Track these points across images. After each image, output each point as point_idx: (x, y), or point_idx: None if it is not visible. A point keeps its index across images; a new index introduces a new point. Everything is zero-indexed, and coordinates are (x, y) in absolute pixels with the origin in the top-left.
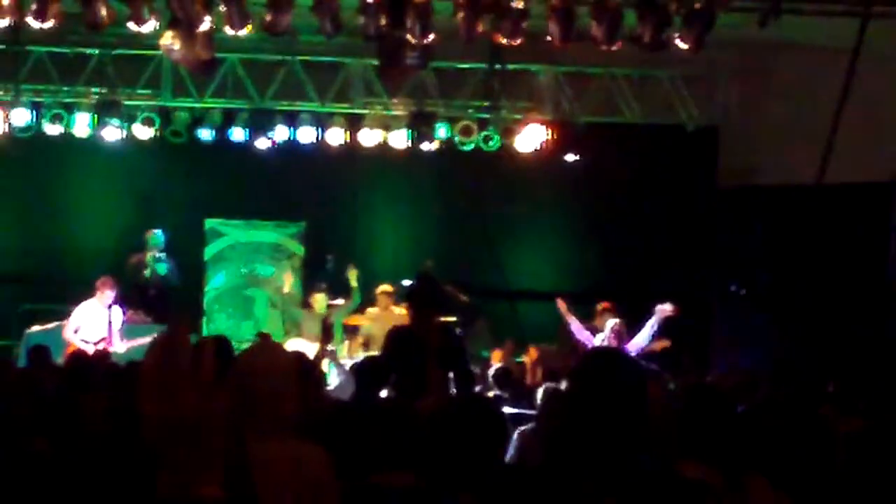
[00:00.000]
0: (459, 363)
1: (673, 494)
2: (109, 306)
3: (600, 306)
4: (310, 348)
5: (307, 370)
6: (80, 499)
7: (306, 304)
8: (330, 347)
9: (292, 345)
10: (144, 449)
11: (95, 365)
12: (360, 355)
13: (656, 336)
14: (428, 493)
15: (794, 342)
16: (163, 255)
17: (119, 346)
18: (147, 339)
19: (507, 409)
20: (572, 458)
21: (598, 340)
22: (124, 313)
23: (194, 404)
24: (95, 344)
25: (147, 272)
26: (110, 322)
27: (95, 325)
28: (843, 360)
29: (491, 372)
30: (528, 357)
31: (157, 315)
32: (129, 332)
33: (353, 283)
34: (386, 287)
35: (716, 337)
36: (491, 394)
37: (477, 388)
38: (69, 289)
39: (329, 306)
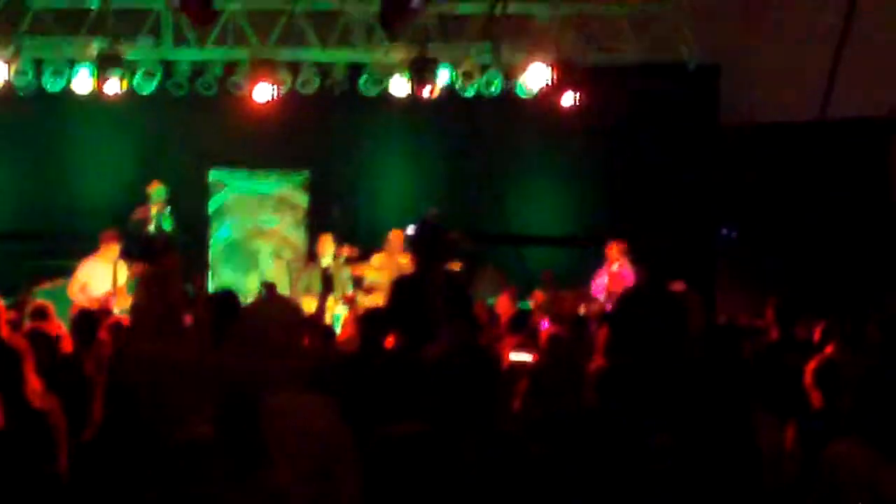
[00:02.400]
0: (465, 311)
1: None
2: (115, 260)
3: (612, 246)
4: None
5: (311, 322)
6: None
7: (311, 256)
8: (334, 298)
9: (298, 298)
10: (135, 390)
11: (100, 320)
12: (366, 305)
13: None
14: (434, 440)
15: (797, 279)
16: (167, 209)
17: (125, 301)
18: None
19: (519, 356)
20: (625, 397)
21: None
22: (129, 268)
23: (183, 344)
24: (101, 299)
25: (152, 227)
26: (115, 276)
27: (101, 280)
28: (847, 296)
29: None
30: (534, 302)
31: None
32: (133, 286)
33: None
34: (391, 234)
35: (720, 277)
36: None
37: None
38: (73, 245)
39: (334, 256)
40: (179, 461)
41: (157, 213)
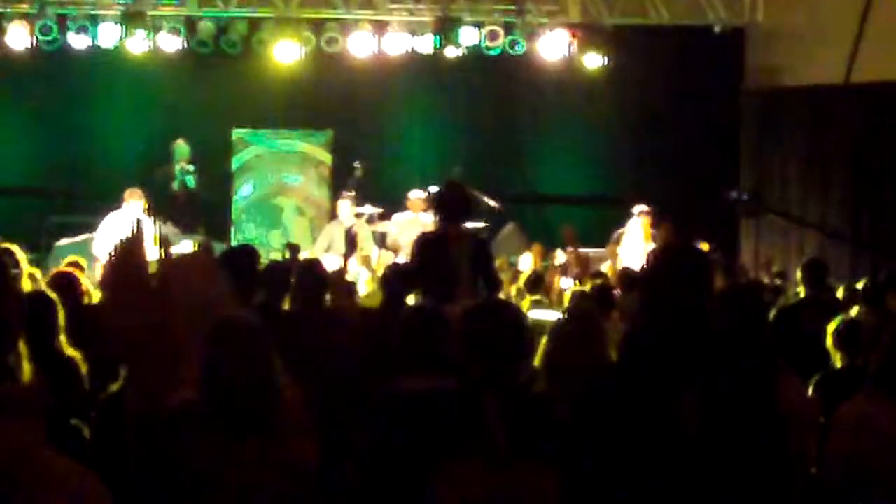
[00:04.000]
0: (487, 269)
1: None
2: (138, 216)
3: (641, 210)
4: (338, 259)
5: (334, 279)
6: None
7: (333, 215)
8: (357, 255)
9: (323, 257)
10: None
11: None
12: (389, 261)
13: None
14: (457, 395)
15: (823, 242)
16: (190, 166)
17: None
18: (177, 249)
19: (538, 314)
20: (650, 357)
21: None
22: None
23: (158, 312)
24: None
25: (175, 184)
26: (140, 229)
27: (121, 235)
28: (872, 258)
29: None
30: (556, 260)
31: (185, 226)
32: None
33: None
34: (415, 193)
35: (745, 240)
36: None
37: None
38: (97, 201)
39: (357, 215)
40: (168, 432)
41: (181, 171)
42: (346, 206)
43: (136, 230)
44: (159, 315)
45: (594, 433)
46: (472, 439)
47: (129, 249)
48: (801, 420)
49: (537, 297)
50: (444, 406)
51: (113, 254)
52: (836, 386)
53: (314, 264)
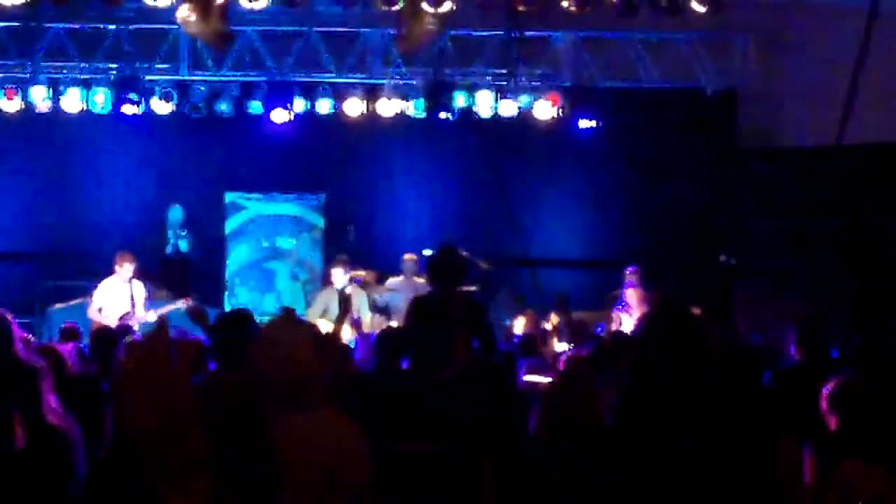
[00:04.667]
0: (483, 331)
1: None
2: (130, 280)
3: (629, 272)
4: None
5: (327, 342)
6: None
7: (326, 280)
8: (350, 319)
9: (319, 322)
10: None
11: (119, 339)
12: (383, 326)
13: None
14: (449, 460)
15: (817, 304)
16: (183, 231)
17: (144, 316)
18: (172, 307)
19: (532, 377)
20: (644, 420)
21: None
22: (146, 288)
23: (177, 411)
24: (119, 319)
25: (169, 248)
26: (132, 296)
27: (118, 300)
28: (866, 322)
29: (516, 340)
30: (550, 324)
31: (178, 291)
32: (151, 307)
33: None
34: (408, 256)
35: (739, 302)
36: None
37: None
38: (90, 265)
39: (350, 279)
40: None
41: (175, 235)
42: (339, 270)
43: (159, 329)
44: (179, 419)
45: (587, 497)
46: (463, 502)
47: (156, 343)
48: (796, 485)
49: (531, 360)
50: (440, 469)
51: (135, 352)
52: (832, 449)
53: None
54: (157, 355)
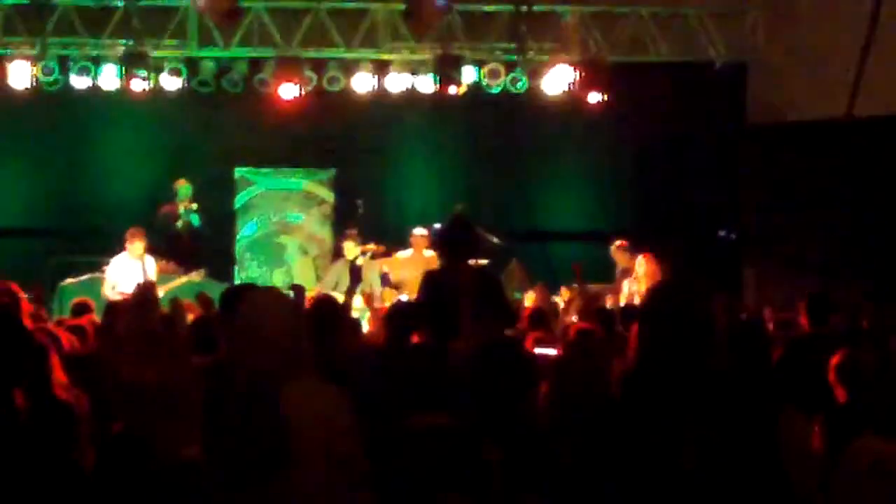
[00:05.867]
0: (499, 302)
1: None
2: (141, 256)
3: (616, 245)
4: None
5: (337, 315)
6: None
7: (337, 253)
8: (360, 292)
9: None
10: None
11: None
12: (393, 299)
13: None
14: (460, 434)
15: (825, 277)
16: (194, 205)
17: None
18: (186, 280)
19: (542, 350)
20: (652, 395)
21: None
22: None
23: (169, 370)
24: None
25: (180, 223)
26: (144, 271)
27: (130, 277)
28: (874, 294)
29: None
30: (562, 297)
31: (189, 266)
32: (162, 281)
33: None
34: (418, 231)
35: (748, 275)
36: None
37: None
38: (100, 241)
39: (361, 252)
40: (174, 486)
41: (185, 210)
42: (350, 244)
43: (145, 285)
44: (172, 373)
45: (593, 471)
46: (471, 476)
47: (145, 301)
48: (805, 458)
49: (540, 333)
50: (445, 443)
51: (126, 307)
52: (840, 422)
53: (329, 300)
54: (146, 317)
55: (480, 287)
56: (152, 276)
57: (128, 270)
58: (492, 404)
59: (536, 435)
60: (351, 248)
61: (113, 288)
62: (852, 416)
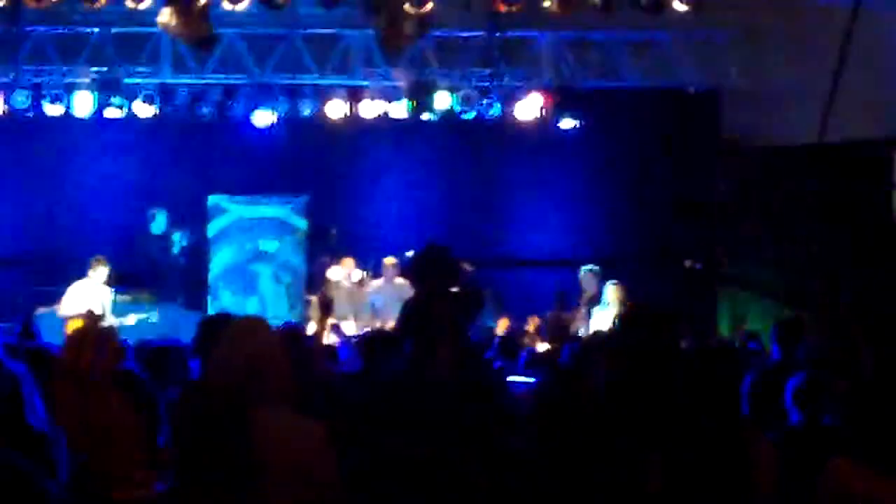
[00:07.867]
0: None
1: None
2: (103, 284)
3: (585, 270)
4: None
5: (306, 344)
6: None
7: (309, 281)
8: (332, 321)
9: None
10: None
11: None
12: (368, 327)
13: None
14: (438, 462)
15: (797, 301)
16: (175, 233)
17: (114, 322)
18: (148, 315)
19: (512, 378)
20: (619, 417)
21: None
22: (129, 291)
23: (108, 408)
24: None
25: (175, 249)
26: (103, 300)
27: (88, 304)
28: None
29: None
30: (531, 325)
31: (163, 293)
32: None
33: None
34: (388, 260)
35: (721, 300)
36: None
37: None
38: (74, 269)
39: (344, 278)
40: None
41: (179, 236)
42: (335, 271)
43: (90, 317)
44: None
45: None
46: (454, 500)
47: (86, 337)
48: (770, 482)
49: (511, 361)
50: (426, 471)
51: (71, 340)
52: (795, 443)
53: (298, 331)
54: (86, 350)
55: (459, 309)
56: (108, 306)
57: (86, 297)
58: (466, 429)
59: (517, 457)
60: (338, 273)
61: (69, 310)
62: (806, 437)
